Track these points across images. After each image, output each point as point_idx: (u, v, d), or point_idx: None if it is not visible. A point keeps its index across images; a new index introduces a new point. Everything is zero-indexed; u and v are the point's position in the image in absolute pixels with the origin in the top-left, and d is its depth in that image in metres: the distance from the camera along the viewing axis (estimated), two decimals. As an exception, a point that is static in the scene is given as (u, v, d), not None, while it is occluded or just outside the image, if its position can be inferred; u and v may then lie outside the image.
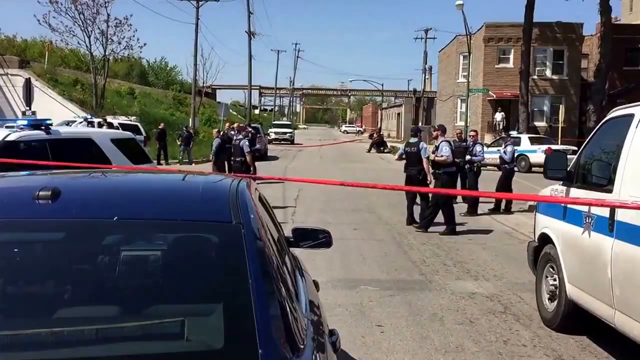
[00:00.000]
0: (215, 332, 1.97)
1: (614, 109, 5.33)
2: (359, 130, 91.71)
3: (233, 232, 2.28)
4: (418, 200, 11.76)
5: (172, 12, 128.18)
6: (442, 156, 11.07)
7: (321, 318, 3.01)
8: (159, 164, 26.02)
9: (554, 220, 5.81)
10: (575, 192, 5.46)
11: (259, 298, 2.00)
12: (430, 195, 11.30)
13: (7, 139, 6.52)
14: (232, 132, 18.14)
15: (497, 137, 30.57)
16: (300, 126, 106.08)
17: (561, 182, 5.82)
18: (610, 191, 4.68)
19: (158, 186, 3.01)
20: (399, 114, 70.60)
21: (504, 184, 13.86)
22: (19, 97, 30.68)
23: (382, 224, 12.03)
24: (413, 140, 12.25)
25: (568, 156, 6.48)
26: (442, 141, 11.28)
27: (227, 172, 20.22)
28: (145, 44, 35.80)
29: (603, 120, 5.52)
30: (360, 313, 6.35)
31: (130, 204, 2.55)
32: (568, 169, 5.69)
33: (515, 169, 15.27)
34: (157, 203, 2.60)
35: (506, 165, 14.17)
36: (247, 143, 14.03)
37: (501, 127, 36.98)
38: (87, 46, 33.62)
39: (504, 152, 14.25)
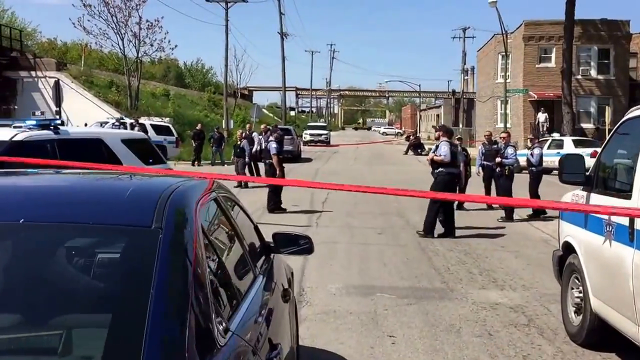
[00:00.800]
0: (95, 346, 1.80)
1: (632, 109, 4.90)
2: (398, 132, 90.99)
3: (148, 237, 2.08)
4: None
5: (205, 14, 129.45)
6: (439, 155, 10.80)
7: (273, 337, 2.72)
8: (193, 165, 26.14)
9: (577, 228, 5.39)
10: (595, 198, 5.03)
11: (156, 312, 1.80)
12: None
13: (14, 138, 6.46)
14: (255, 134, 18.10)
15: (540, 140, 29.64)
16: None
17: (582, 187, 5.40)
18: (629, 197, 4.28)
19: (86, 187, 2.81)
20: (438, 115, 69.77)
21: (533, 189, 13.30)
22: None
23: (409, 229, 11.62)
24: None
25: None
26: (442, 141, 11.00)
27: (253, 174, 20.34)
28: (176, 46, 36.31)
29: (621, 120, 5.08)
30: (373, 322, 6.02)
31: (42, 206, 2.36)
32: (587, 173, 5.27)
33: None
34: (74, 205, 2.40)
35: (533, 169, 13.56)
36: (274, 145, 13.75)
37: (545, 128, 35.93)
38: (120, 48, 34.12)
39: (531, 154, 13.64)
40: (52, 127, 6.86)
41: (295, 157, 28.65)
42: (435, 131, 11.80)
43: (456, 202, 14.01)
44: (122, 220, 2.23)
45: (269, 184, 13.49)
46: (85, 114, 29.72)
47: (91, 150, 7.49)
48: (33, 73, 33.13)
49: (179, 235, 2.16)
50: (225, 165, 25.99)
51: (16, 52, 34.54)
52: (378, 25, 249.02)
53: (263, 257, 3.51)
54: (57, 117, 24.70)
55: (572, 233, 5.58)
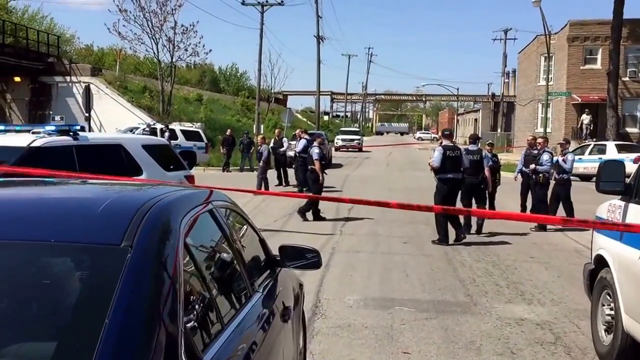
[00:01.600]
0: None
1: None
2: (434, 137, 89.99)
3: (113, 257, 1.86)
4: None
5: (240, 17, 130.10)
6: (432, 161, 10.70)
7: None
8: (223, 171, 26.09)
9: (610, 240, 4.97)
10: (634, 210, 4.61)
11: (107, 345, 1.59)
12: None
13: (32, 145, 6.40)
14: (285, 139, 17.88)
15: (582, 144, 28.71)
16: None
17: (619, 196, 4.97)
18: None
19: (58, 200, 2.53)
20: (476, 119, 68.70)
21: (562, 197, 12.62)
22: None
23: (436, 238, 11.19)
24: (473, 147, 12.14)
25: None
26: (438, 146, 10.87)
27: (281, 180, 20.15)
28: (210, 50, 36.51)
29: None
30: (388, 337, 5.69)
31: (5, 222, 2.11)
32: (627, 181, 4.84)
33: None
34: (39, 220, 2.14)
35: (564, 175, 12.61)
36: (317, 150, 13.53)
37: (588, 131, 34.87)
38: (154, 53, 34.35)
39: (564, 160, 12.65)
40: (71, 133, 6.79)
41: (327, 163, 28.34)
42: (440, 137, 11.54)
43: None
44: (88, 237, 2.01)
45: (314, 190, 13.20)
46: (118, 119, 30.10)
47: (111, 156, 7.43)
48: (68, 78, 33.68)
49: (153, 254, 1.94)
50: (255, 171, 25.82)
51: (53, 58, 35.17)
52: (416, 28, 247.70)
53: (267, 273, 3.31)
54: (86, 122, 25.12)
55: (605, 245, 5.18)
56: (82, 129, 7.49)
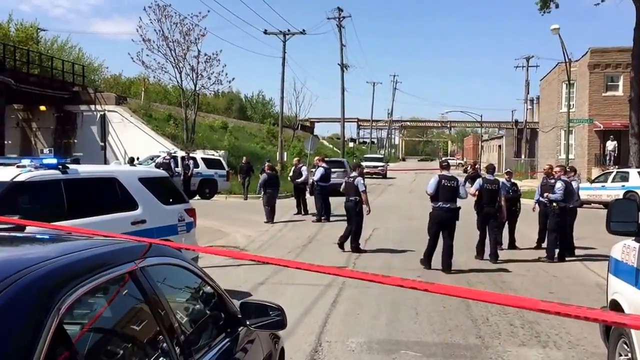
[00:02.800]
0: None
1: None
2: (460, 163, 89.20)
3: None
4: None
5: (264, 46, 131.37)
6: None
7: None
8: (245, 198, 25.82)
9: (626, 285, 4.64)
10: (649, 253, 4.28)
11: None
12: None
13: (16, 179, 6.04)
14: (304, 167, 17.60)
15: (605, 171, 28.07)
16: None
17: (634, 237, 4.63)
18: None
19: None
20: (500, 146, 68.01)
21: (553, 227, 12.09)
22: (114, 132, 31.97)
23: (452, 271, 10.85)
24: (489, 177, 12.39)
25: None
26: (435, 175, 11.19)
27: (300, 208, 19.80)
28: (233, 78, 36.50)
29: None
30: (390, 387, 5.37)
31: None
32: (641, 222, 4.52)
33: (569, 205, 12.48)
34: None
35: (560, 204, 12.06)
36: (362, 181, 13.06)
37: (612, 158, 34.18)
38: (178, 82, 34.63)
39: (552, 186, 12.29)
40: (59, 167, 6.50)
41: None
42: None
43: (507, 242, 13.23)
44: None
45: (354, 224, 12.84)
46: (143, 147, 30.31)
47: (104, 190, 7.17)
48: (93, 107, 34.07)
49: None
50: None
51: (78, 87, 35.70)
52: (440, 56, 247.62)
53: (222, 335, 2.94)
54: (102, 151, 25.22)
55: (620, 290, 4.84)
56: (76, 161, 7.26)
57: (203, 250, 4.95)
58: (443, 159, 48.43)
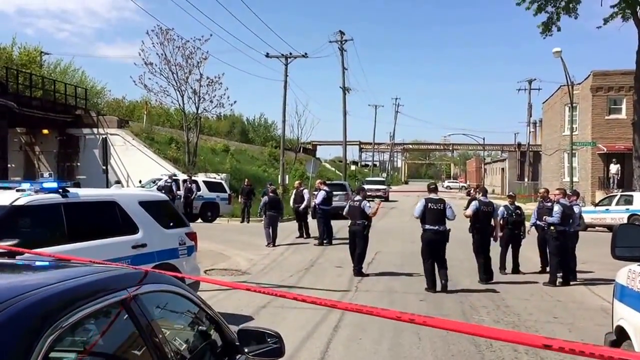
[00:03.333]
0: None
1: None
2: (463, 186, 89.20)
3: None
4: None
5: (266, 70, 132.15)
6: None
7: None
8: (242, 222, 25.74)
9: (631, 311, 4.56)
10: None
11: None
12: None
13: (15, 203, 6.01)
14: (305, 191, 17.63)
15: (609, 194, 27.97)
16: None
17: (639, 262, 4.57)
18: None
19: None
20: (503, 169, 68.01)
21: (553, 251, 12.04)
22: (116, 155, 32.02)
23: (455, 295, 10.74)
24: (484, 199, 12.60)
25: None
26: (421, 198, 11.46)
27: (302, 231, 19.67)
28: (235, 102, 36.64)
29: None
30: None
31: None
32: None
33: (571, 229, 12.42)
34: None
35: (557, 227, 11.96)
36: (367, 204, 13.03)
37: (616, 181, 34.12)
38: (180, 105, 34.76)
39: (549, 209, 12.26)
40: (59, 190, 6.47)
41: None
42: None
43: (511, 267, 13.14)
44: None
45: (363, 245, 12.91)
46: (144, 170, 30.34)
47: (104, 213, 7.14)
48: (95, 130, 34.16)
49: None
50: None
51: (80, 110, 35.82)
52: (442, 79, 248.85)
53: None
54: (104, 175, 25.23)
55: (626, 316, 4.75)
56: (77, 184, 7.24)
57: (197, 279, 4.90)
58: (431, 181, 48.06)
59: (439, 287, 11.02)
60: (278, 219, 18.39)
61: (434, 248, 11.15)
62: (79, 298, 2.03)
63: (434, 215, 11.05)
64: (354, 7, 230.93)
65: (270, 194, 18.76)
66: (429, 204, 11.08)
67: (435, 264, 11.15)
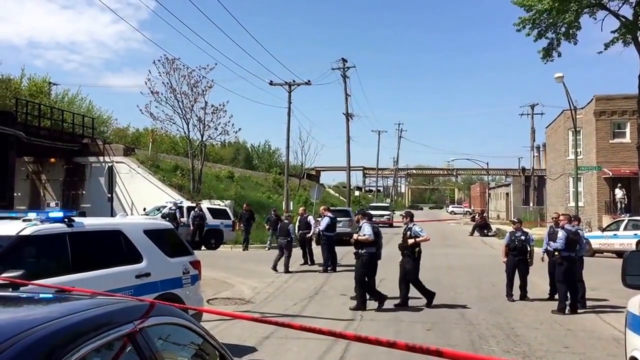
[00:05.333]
0: None
1: None
2: (467, 211, 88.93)
3: None
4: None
5: (270, 97, 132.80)
6: (364, 235, 11.83)
7: None
8: (245, 250, 25.31)
9: (645, 342, 4.44)
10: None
11: None
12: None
13: (21, 233, 6.01)
14: (310, 217, 17.61)
15: (617, 219, 27.76)
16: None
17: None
18: None
19: None
20: (507, 193, 67.79)
21: (560, 278, 11.93)
22: (122, 182, 32.06)
23: (463, 324, 10.57)
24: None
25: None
26: (363, 222, 12.04)
27: (307, 258, 19.57)
28: (240, 129, 36.77)
29: None
30: None
31: None
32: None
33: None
34: None
35: (557, 253, 11.97)
36: (367, 230, 13.15)
37: (622, 206, 33.92)
38: (185, 132, 34.94)
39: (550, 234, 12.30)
40: (65, 220, 6.45)
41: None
42: (355, 216, 13.03)
43: (519, 294, 12.98)
44: None
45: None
46: (149, 197, 30.36)
47: (109, 243, 7.09)
48: (101, 158, 34.31)
49: None
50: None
51: (87, 139, 36.03)
52: (445, 104, 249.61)
53: None
54: (109, 202, 25.20)
55: (639, 346, 4.63)
56: (82, 214, 7.22)
57: (201, 310, 4.81)
58: (368, 206, 48.94)
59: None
60: (290, 246, 18.25)
61: (373, 270, 12.30)
62: (85, 332, 2.04)
63: (378, 237, 12.34)
64: (356, 35, 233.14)
65: (285, 221, 18.92)
66: (373, 227, 12.20)
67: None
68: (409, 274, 12.16)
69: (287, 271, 17.51)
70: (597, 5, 28.51)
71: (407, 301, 12.10)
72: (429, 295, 12.28)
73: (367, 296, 12.10)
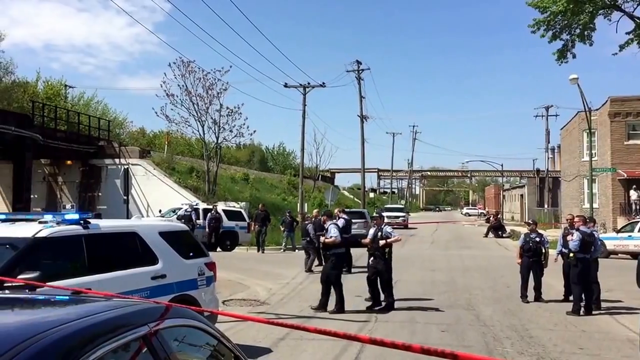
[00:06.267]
0: None
1: None
2: (481, 213, 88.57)
3: None
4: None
5: (284, 99, 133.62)
6: (331, 237, 11.82)
7: None
8: (259, 251, 25.16)
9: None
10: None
11: None
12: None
13: (37, 235, 6.10)
14: (319, 217, 17.73)
15: (632, 220, 27.56)
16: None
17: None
18: None
19: None
20: (522, 195, 67.42)
21: (574, 279, 11.89)
22: (138, 185, 32.31)
23: (477, 325, 10.57)
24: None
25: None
26: (330, 224, 12.08)
27: (322, 261, 19.64)
28: (254, 131, 36.70)
29: None
30: None
31: None
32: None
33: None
34: None
35: (572, 255, 11.92)
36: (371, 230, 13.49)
37: (637, 207, 33.69)
38: (200, 135, 35.15)
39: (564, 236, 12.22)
40: (81, 222, 6.53)
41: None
42: (321, 217, 13.27)
43: (534, 295, 12.96)
44: None
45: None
46: (165, 199, 30.58)
47: (124, 244, 7.18)
48: (117, 160, 34.58)
49: None
50: (297, 251, 25.41)
51: (103, 141, 36.36)
52: (459, 106, 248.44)
53: None
54: (125, 205, 25.41)
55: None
56: (98, 215, 7.33)
57: (216, 312, 4.89)
58: (382, 207, 49.06)
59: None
60: (310, 246, 18.60)
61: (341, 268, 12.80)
62: (100, 335, 2.07)
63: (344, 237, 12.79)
64: (371, 37, 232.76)
65: (305, 222, 19.35)
66: (339, 228, 12.62)
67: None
68: (383, 274, 12.00)
69: (308, 270, 17.92)
70: (612, 6, 28.29)
71: (394, 303, 12.05)
72: (392, 298, 12.06)
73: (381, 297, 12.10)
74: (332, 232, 11.89)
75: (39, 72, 65.14)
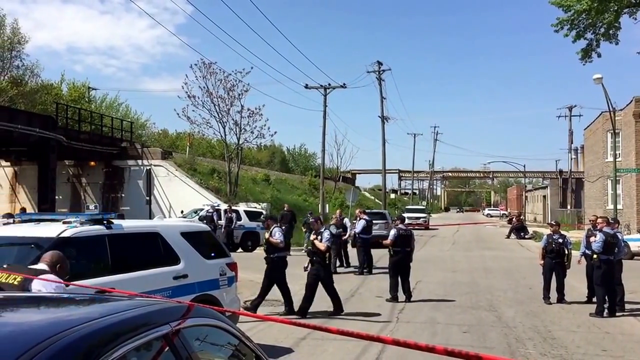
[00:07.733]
0: None
1: None
2: (503, 214, 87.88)
3: None
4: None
5: (306, 100, 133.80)
6: (276, 239, 11.57)
7: None
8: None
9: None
10: None
11: None
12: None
13: (61, 235, 6.21)
14: (346, 219, 17.73)
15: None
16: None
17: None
18: None
19: None
20: (544, 196, 66.73)
21: (598, 281, 11.75)
22: (160, 186, 32.61)
23: (499, 327, 10.50)
24: (402, 227, 13.99)
25: None
26: (274, 227, 11.80)
27: (342, 261, 19.64)
28: (275, 132, 37.07)
29: None
30: None
31: None
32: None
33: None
34: None
35: (596, 256, 11.78)
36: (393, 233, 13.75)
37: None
38: (222, 136, 35.34)
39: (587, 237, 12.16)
40: (104, 222, 6.64)
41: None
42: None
43: (557, 296, 12.84)
44: None
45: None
46: (187, 200, 30.82)
47: (147, 245, 7.26)
48: (140, 162, 34.91)
49: None
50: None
51: (126, 143, 36.75)
52: (481, 106, 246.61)
53: None
54: (147, 205, 25.61)
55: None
56: (121, 216, 7.42)
57: (238, 313, 4.93)
58: (404, 209, 48.89)
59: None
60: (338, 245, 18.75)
61: (404, 264, 13.42)
62: (122, 333, 2.09)
63: (404, 240, 13.56)
64: (392, 38, 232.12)
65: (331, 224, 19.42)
66: (401, 231, 13.56)
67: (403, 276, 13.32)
68: (325, 279, 11.74)
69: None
70: (638, 5, 27.89)
71: (342, 306, 11.76)
72: (339, 303, 11.78)
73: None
74: (277, 236, 11.53)
75: (63, 74, 66.13)
